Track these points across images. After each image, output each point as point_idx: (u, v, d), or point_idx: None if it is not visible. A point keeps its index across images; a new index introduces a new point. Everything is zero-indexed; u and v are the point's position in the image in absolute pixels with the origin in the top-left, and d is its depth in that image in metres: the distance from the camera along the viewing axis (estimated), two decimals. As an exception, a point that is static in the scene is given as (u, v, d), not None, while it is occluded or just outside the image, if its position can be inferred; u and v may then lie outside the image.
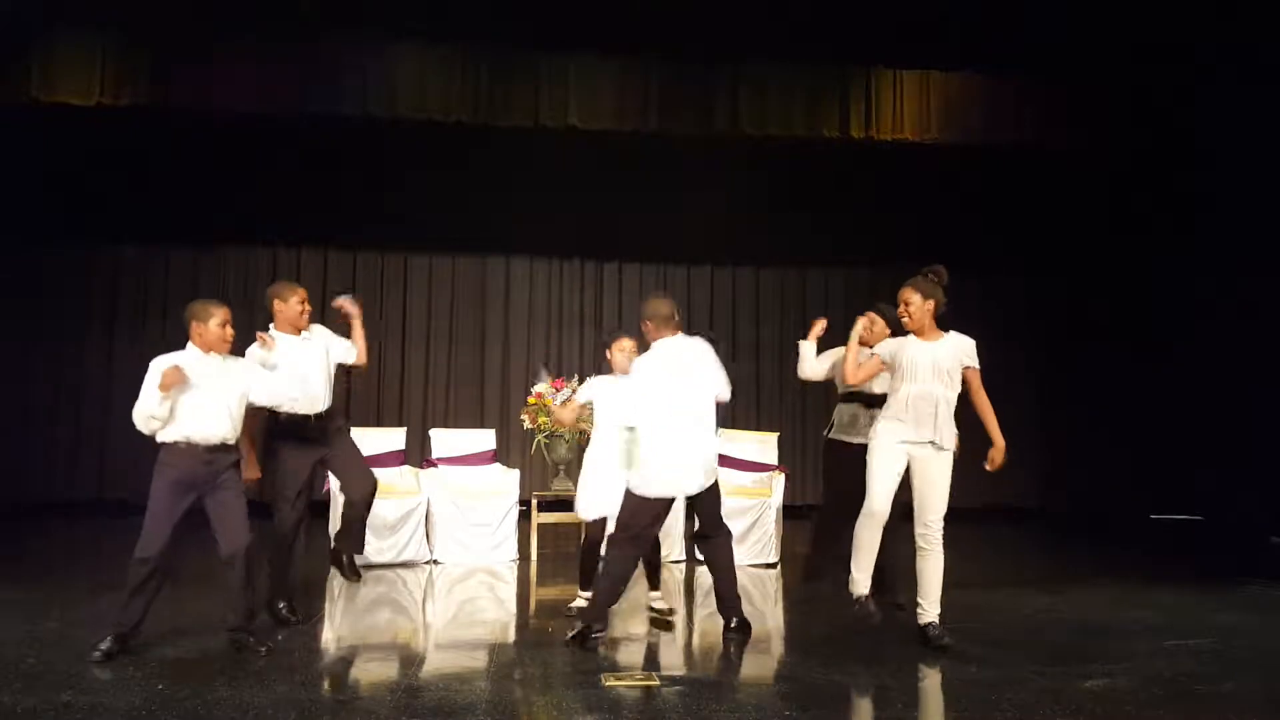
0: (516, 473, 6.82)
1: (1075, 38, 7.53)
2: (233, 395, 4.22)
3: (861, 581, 4.45)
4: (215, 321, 4.19)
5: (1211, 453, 8.69)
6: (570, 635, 4.41)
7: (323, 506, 6.02)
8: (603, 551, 4.72)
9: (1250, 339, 8.25)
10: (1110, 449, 9.34)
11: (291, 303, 4.73)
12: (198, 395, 4.11)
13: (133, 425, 4.13)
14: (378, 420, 8.37)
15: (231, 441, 4.22)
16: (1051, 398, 9.38)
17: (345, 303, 5.01)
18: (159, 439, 4.13)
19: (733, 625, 4.61)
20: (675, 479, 4.39)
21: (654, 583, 5.08)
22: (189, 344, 4.21)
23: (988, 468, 4.45)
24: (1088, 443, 9.36)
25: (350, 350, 4.99)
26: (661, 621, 4.94)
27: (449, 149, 8.42)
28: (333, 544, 5.09)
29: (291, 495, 4.66)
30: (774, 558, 6.59)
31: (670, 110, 7.71)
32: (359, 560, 5.09)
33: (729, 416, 8.73)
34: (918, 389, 4.38)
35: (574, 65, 7.59)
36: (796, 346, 5.42)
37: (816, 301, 9.57)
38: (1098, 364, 9.39)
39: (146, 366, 4.15)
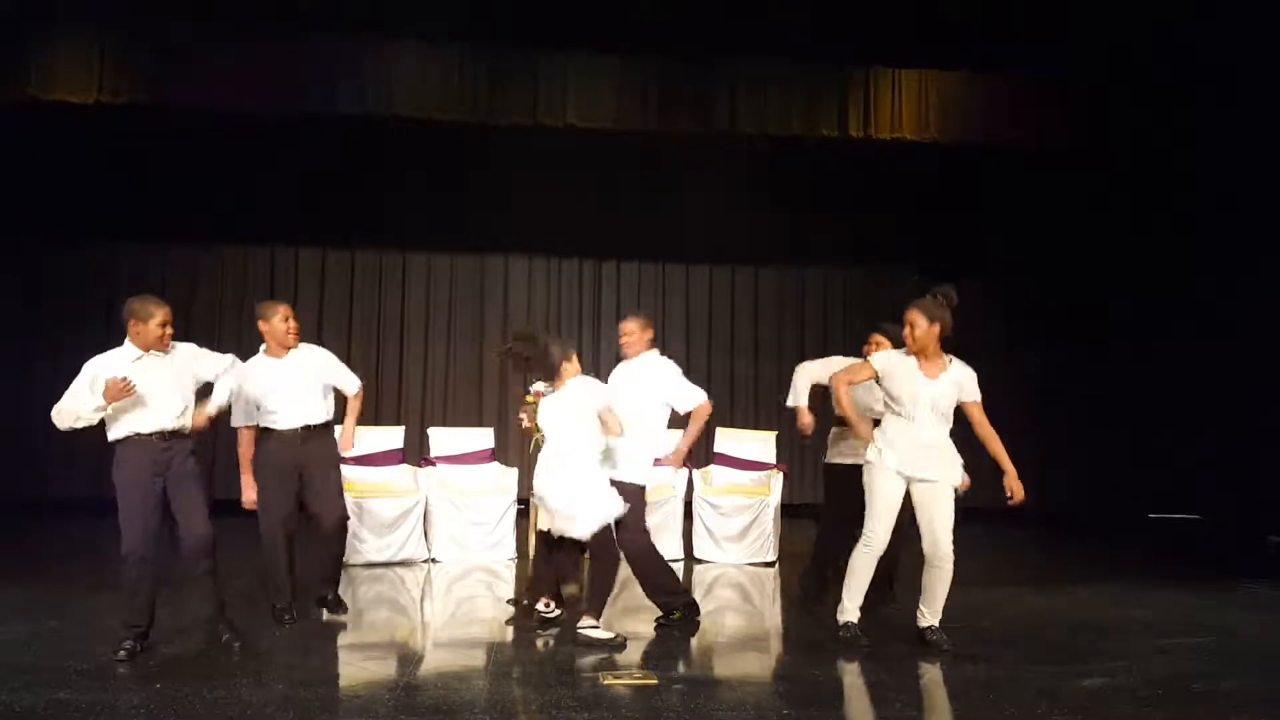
0: (515, 471, 6.80)
1: (1075, 38, 7.52)
2: (174, 385, 4.14)
3: (851, 610, 4.43)
4: (155, 322, 4.09)
5: (1211, 452, 8.68)
6: (670, 620, 4.69)
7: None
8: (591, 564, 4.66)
9: (1250, 339, 8.25)
10: (1110, 448, 9.33)
11: (275, 321, 4.72)
12: (139, 393, 4.02)
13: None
14: (376, 419, 8.35)
15: (185, 431, 4.17)
16: (1051, 397, 9.36)
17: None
18: (110, 438, 4.09)
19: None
20: (649, 464, 4.81)
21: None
22: (126, 341, 4.14)
23: (1010, 503, 4.31)
24: (1087, 442, 9.35)
25: (346, 381, 4.98)
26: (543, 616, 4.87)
27: (447, 148, 8.41)
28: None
29: (272, 505, 4.69)
30: (772, 556, 6.57)
31: (669, 110, 7.71)
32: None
33: (728, 415, 8.78)
34: (916, 431, 4.29)
35: (573, 65, 7.59)
36: (794, 383, 5.36)
37: (815, 301, 9.60)
38: (1097, 363, 9.39)
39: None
